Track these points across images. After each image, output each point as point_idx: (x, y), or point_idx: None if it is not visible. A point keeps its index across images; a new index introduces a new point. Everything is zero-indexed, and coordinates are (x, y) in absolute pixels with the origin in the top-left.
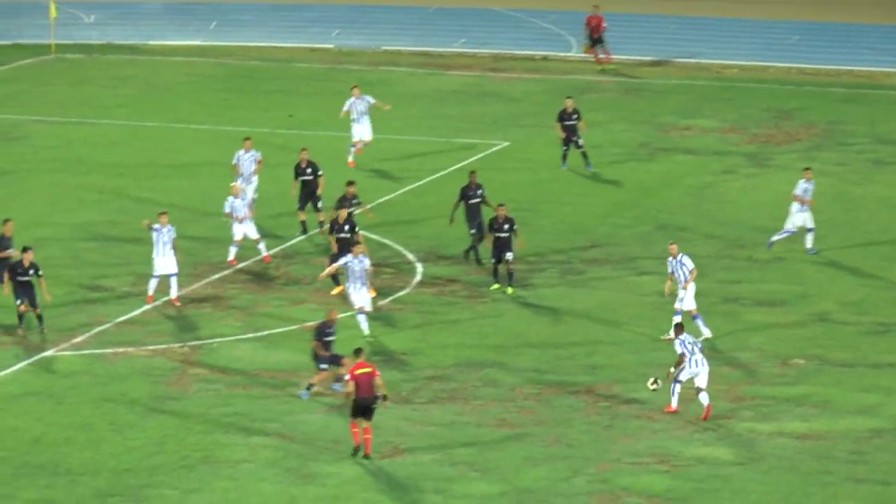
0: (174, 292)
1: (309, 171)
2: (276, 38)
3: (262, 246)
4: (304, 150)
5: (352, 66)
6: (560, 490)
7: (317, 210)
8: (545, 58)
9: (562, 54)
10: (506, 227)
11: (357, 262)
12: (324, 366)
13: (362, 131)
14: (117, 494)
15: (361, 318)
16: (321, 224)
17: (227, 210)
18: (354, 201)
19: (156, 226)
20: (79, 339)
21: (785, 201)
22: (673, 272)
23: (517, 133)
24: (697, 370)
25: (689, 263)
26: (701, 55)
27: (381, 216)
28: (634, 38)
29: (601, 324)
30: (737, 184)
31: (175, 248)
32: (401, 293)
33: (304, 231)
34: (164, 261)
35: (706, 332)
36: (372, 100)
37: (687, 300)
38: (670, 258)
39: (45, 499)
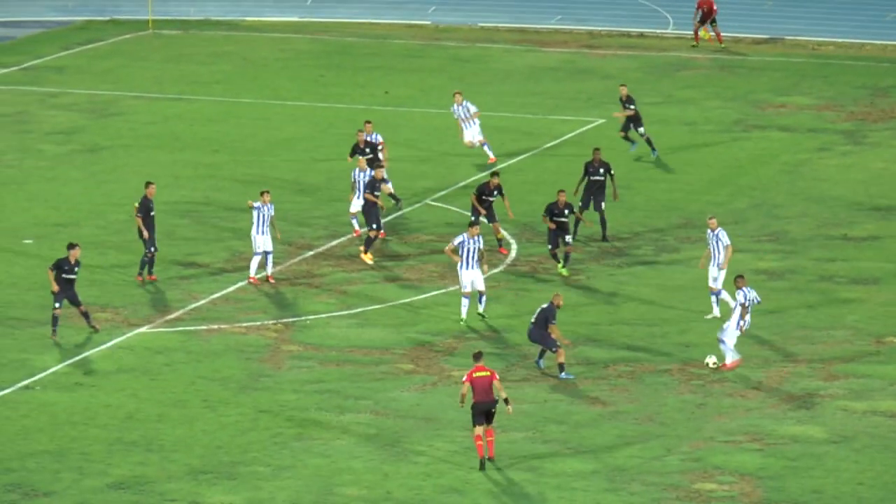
0: (269, 269)
1: (367, 150)
2: (372, 15)
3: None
4: (361, 131)
5: (448, 43)
6: (653, 468)
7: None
8: (641, 34)
9: (658, 31)
10: (566, 212)
11: (472, 243)
12: (555, 348)
13: (470, 133)
14: (210, 471)
15: (466, 301)
16: (392, 196)
17: (351, 180)
18: (496, 192)
19: (257, 204)
20: (173, 316)
21: (879, 179)
22: (709, 246)
23: (612, 110)
24: (745, 329)
25: (724, 239)
26: (797, 32)
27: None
28: (731, 16)
29: (694, 302)
30: (832, 161)
31: (272, 224)
32: (495, 271)
33: (397, 200)
34: (264, 238)
35: (716, 312)
36: (473, 108)
37: (720, 279)
38: (709, 231)
39: (138, 475)
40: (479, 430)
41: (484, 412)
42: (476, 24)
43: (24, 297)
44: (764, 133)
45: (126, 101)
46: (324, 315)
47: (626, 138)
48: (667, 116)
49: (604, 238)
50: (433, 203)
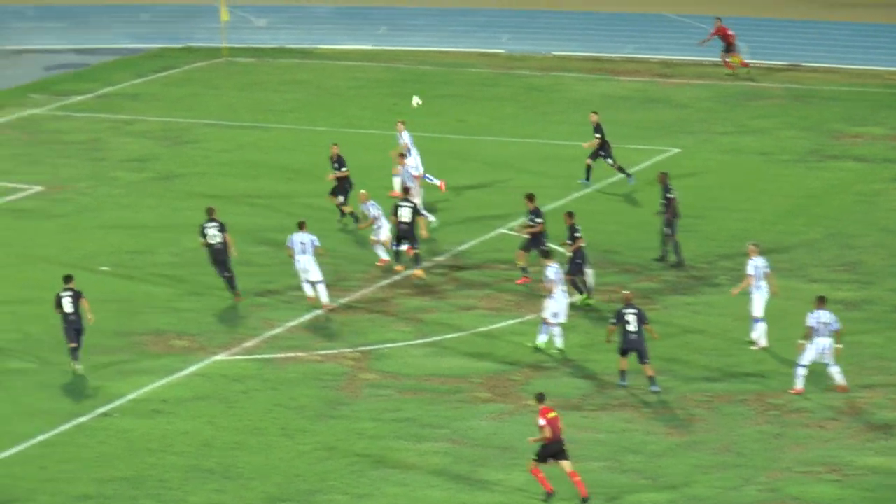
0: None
1: (336, 165)
2: (445, 43)
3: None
4: (335, 144)
5: (521, 72)
6: (730, 499)
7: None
8: (716, 63)
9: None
10: (574, 234)
11: (548, 269)
12: (647, 359)
13: (415, 163)
14: (288, 499)
15: (544, 328)
16: (352, 215)
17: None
18: (531, 215)
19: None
20: (250, 344)
21: None
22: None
23: (685, 139)
24: (821, 353)
25: (747, 268)
26: (872, 62)
27: (549, 223)
28: (805, 45)
29: (770, 332)
30: None
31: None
32: (571, 299)
33: (343, 214)
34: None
35: (759, 341)
36: (408, 138)
37: (755, 306)
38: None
39: (215, 502)
40: (540, 466)
41: (556, 451)
42: (549, 53)
43: (100, 324)
44: (839, 163)
45: (200, 128)
46: (400, 343)
47: (589, 168)
48: (741, 146)
49: (678, 264)
50: (508, 232)
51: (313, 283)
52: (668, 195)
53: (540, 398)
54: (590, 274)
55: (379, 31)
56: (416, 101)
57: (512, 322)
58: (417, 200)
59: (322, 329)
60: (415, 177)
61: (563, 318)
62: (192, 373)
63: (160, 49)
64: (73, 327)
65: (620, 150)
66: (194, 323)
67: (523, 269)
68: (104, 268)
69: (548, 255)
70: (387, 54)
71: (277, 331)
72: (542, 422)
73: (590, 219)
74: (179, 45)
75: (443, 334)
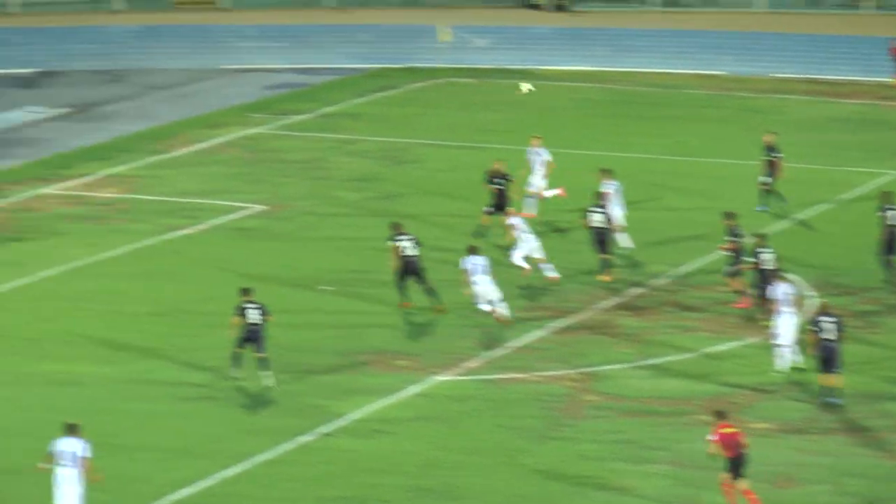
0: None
1: (496, 180)
2: (665, 65)
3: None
4: (497, 161)
5: (742, 94)
6: None
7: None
8: None
9: None
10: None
11: (775, 289)
12: (841, 369)
13: (534, 181)
14: None
15: (777, 351)
16: (481, 226)
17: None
18: (729, 232)
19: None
20: (472, 364)
21: None
22: None
23: None
24: None
25: None
26: None
27: (775, 245)
28: None
29: None
30: None
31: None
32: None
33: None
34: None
35: None
36: (546, 155)
37: None
38: None
39: None
40: (733, 481)
41: (735, 467)
42: (768, 75)
43: (322, 343)
44: None
45: (420, 148)
46: (622, 365)
47: (770, 191)
48: None
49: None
50: (725, 254)
51: (492, 302)
52: (879, 213)
53: (718, 415)
54: (810, 297)
55: (600, 52)
56: (526, 87)
57: (734, 344)
58: (616, 210)
59: (544, 350)
60: (533, 194)
61: (788, 340)
62: (415, 393)
63: (380, 69)
64: (255, 337)
65: (841, 173)
66: (415, 343)
67: (740, 293)
68: (328, 287)
69: (778, 275)
70: (605, 75)
71: (500, 351)
72: (710, 437)
73: (811, 240)
74: (400, 66)
75: (664, 356)
